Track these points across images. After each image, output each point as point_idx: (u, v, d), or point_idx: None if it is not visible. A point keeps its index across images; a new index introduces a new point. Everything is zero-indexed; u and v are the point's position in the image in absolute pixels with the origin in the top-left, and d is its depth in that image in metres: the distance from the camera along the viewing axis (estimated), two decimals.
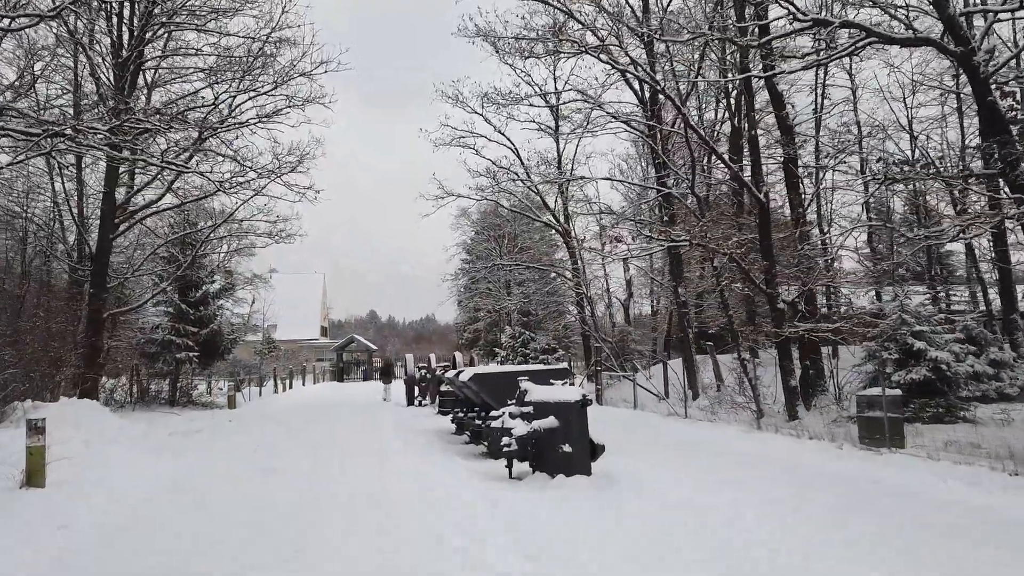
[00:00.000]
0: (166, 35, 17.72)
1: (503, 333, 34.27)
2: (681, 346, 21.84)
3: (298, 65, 17.39)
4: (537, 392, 8.76)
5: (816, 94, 20.90)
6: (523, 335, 29.99)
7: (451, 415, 14.23)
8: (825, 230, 21.69)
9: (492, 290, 39.89)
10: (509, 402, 9.02)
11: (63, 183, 19.82)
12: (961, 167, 14.92)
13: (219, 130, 17.12)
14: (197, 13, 16.77)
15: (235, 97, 17.44)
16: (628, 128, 23.40)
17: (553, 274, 32.35)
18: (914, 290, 21.14)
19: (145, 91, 18.01)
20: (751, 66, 16.25)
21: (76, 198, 19.49)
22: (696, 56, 18.38)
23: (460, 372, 12.78)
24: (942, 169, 14.32)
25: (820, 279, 16.64)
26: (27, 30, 13.70)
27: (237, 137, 18.07)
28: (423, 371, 23.54)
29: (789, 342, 14.97)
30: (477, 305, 44.28)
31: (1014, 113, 11.28)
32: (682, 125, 18.24)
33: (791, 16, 11.50)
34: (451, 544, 5.74)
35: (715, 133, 24.00)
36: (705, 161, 22.14)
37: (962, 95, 18.95)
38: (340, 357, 50.97)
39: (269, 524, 6.64)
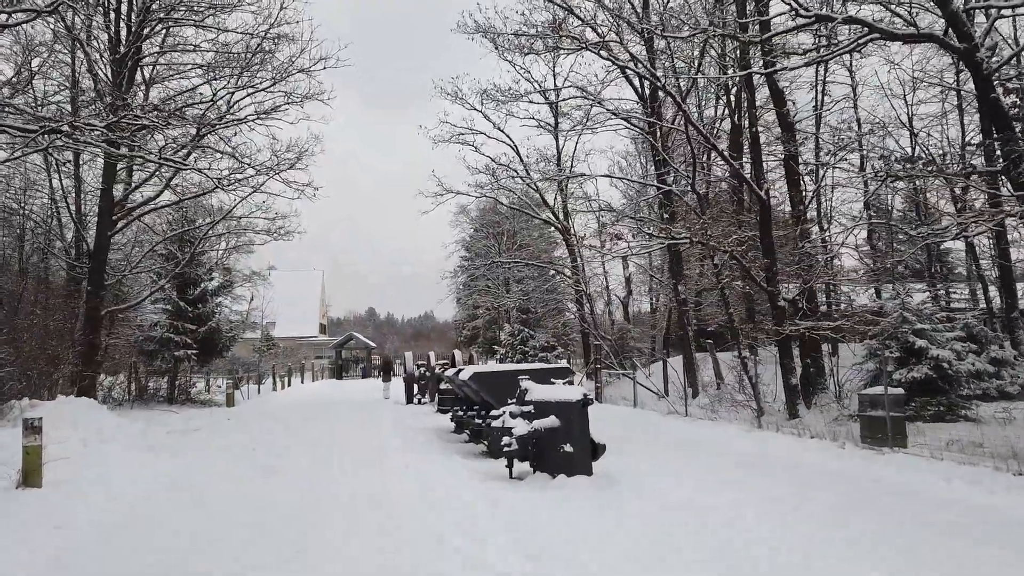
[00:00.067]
0: (164, 31, 17.66)
1: (502, 331, 34.17)
2: (681, 344, 21.80)
3: (297, 61, 17.40)
4: (538, 391, 8.71)
5: (816, 91, 20.83)
6: (522, 333, 29.94)
7: (450, 413, 14.20)
8: (825, 227, 21.61)
9: (491, 287, 39.86)
10: (509, 401, 8.97)
11: (61, 180, 19.79)
12: (962, 164, 14.90)
13: (217, 127, 17.06)
14: (195, 9, 16.69)
15: (233, 93, 17.40)
16: (628, 125, 23.34)
17: (552, 271, 32.30)
18: (914, 288, 21.10)
19: (143, 87, 17.96)
20: (752, 62, 16.16)
21: (74, 195, 19.47)
22: (696, 52, 18.32)
23: (460, 371, 12.71)
24: (943, 166, 14.30)
25: (821, 277, 16.62)
26: (24, 26, 13.63)
27: (235, 134, 18.04)
28: (422, 369, 23.50)
29: (789, 340, 14.93)
30: (476, 302, 44.26)
31: (1017, 110, 11.26)
32: (682, 122, 18.16)
33: (793, 12, 11.43)
34: (452, 544, 5.72)
35: (715, 130, 23.91)
36: (705, 158, 22.04)
37: (963, 92, 18.91)
38: (339, 354, 50.97)
39: (270, 524, 6.61)
